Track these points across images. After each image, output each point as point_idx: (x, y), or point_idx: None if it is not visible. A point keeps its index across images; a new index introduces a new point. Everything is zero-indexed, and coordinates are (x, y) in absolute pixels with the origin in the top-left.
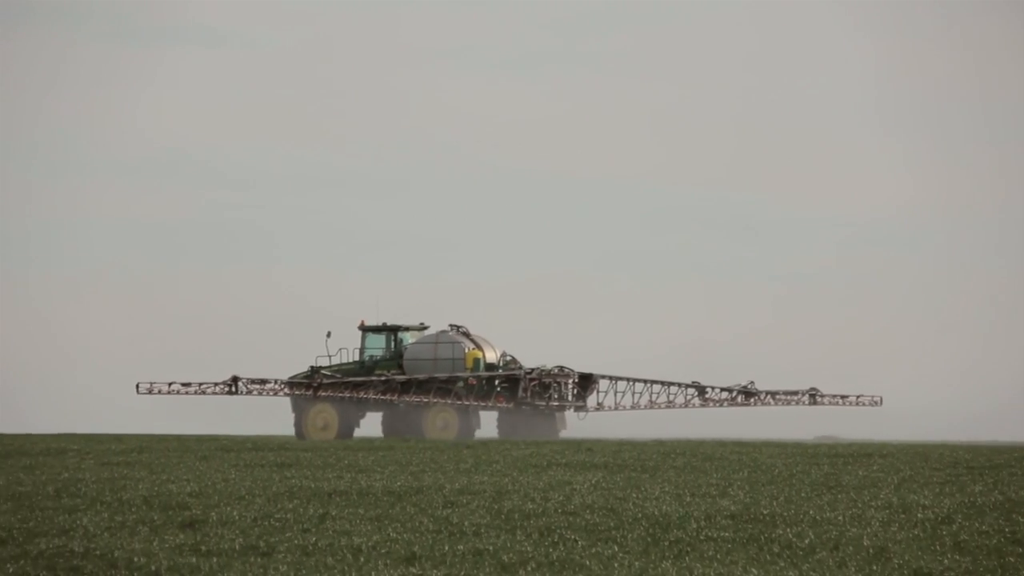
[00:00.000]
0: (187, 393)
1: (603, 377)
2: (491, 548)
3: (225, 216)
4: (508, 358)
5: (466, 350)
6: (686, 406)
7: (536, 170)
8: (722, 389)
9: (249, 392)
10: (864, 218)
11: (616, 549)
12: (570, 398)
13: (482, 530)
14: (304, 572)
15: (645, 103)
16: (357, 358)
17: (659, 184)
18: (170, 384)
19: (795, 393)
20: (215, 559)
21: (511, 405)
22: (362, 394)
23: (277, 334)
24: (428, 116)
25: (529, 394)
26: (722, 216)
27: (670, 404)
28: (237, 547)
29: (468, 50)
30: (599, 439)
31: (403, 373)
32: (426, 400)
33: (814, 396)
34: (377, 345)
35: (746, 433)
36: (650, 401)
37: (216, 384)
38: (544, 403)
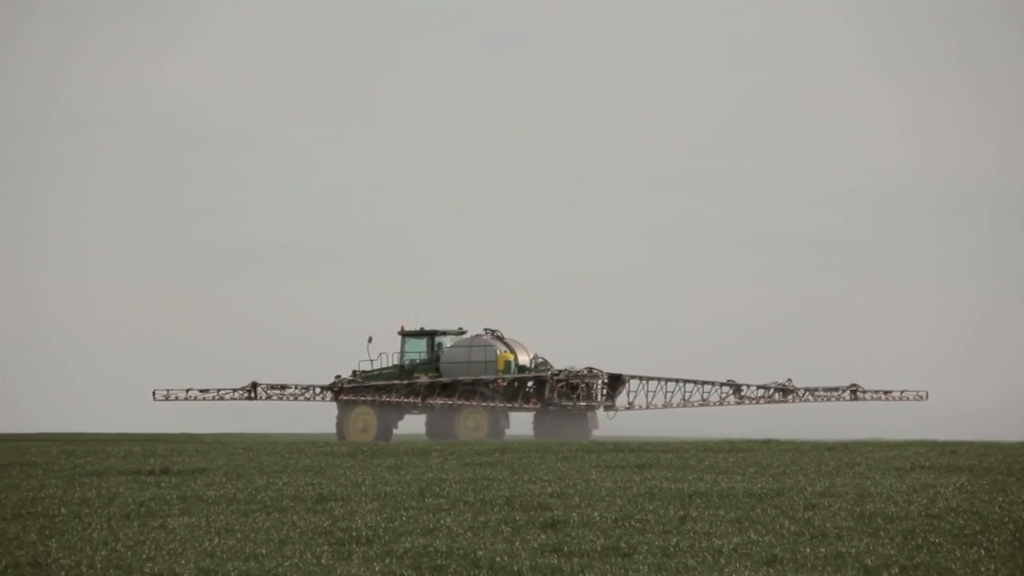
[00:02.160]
0: (204, 399)
1: (633, 377)
2: (853, 551)
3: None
4: (540, 360)
5: (498, 353)
6: (721, 404)
7: (572, 174)
8: (759, 387)
9: (268, 397)
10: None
11: (982, 553)
12: (599, 398)
13: (844, 533)
14: (664, 574)
15: (660, 101)
16: (397, 362)
17: (687, 184)
18: (187, 391)
19: (836, 389)
20: (576, 560)
21: (538, 406)
22: (384, 398)
23: (311, 340)
24: (453, 118)
25: (556, 395)
26: (745, 215)
27: (704, 403)
28: (598, 548)
29: (480, 51)
30: (635, 437)
31: (440, 376)
32: (451, 402)
33: (855, 392)
34: (416, 349)
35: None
36: (683, 400)
37: (235, 390)
38: (571, 404)
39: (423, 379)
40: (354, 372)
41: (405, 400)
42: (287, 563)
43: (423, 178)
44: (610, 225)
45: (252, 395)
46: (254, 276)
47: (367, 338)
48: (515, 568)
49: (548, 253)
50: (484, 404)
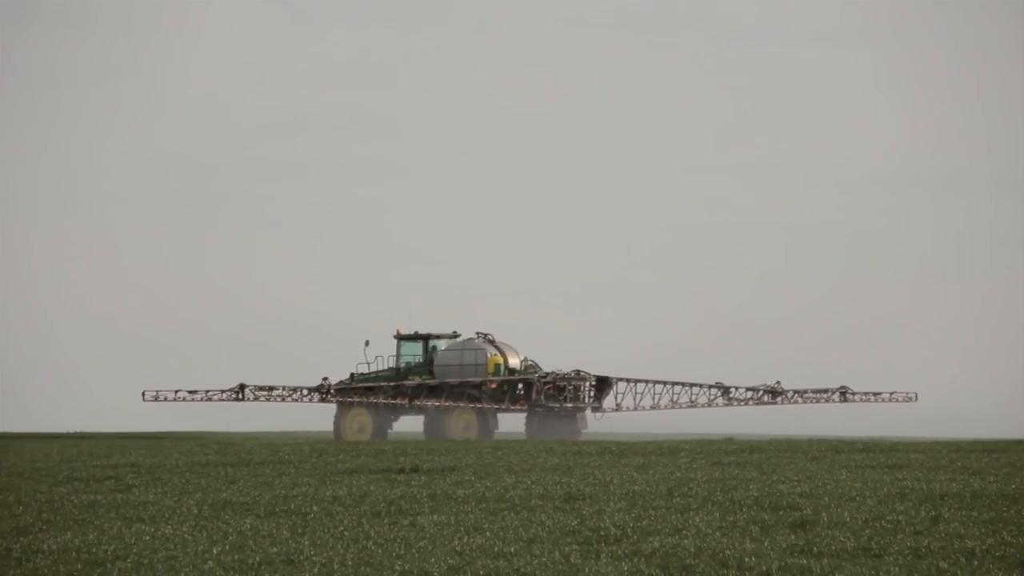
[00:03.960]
0: (193, 400)
1: (620, 380)
2: None
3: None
4: (529, 363)
5: (488, 356)
6: (709, 406)
7: (576, 183)
8: (747, 389)
9: (256, 399)
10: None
11: None
12: (587, 400)
13: None
14: (915, 575)
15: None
16: (393, 365)
17: (681, 190)
18: (176, 392)
19: (825, 391)
20: (826, 560)
21: (525, 407)
22: (372, 399)
23: (314, 341)
24: (450, 123)
25: (544, 397)
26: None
27: (692, 404)
28: (848, 548)
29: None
30: (628, 434)
31: (434, 378)
32: (438, 404)
33: (844, 394)
34: (412, 352)
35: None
36: (671, 401)
37: (223, 391)
38: (558, 405)
39: (409, 382)
40: (351, 375)
41: (393, 402)
42: (535, 562)
43: (423, 183)
44: (607, 230)
45: (240, 396)
46: (254, 276)
47: (364, 341)
48: (764, 568)
49: (544, 258)
50: (473, 406)
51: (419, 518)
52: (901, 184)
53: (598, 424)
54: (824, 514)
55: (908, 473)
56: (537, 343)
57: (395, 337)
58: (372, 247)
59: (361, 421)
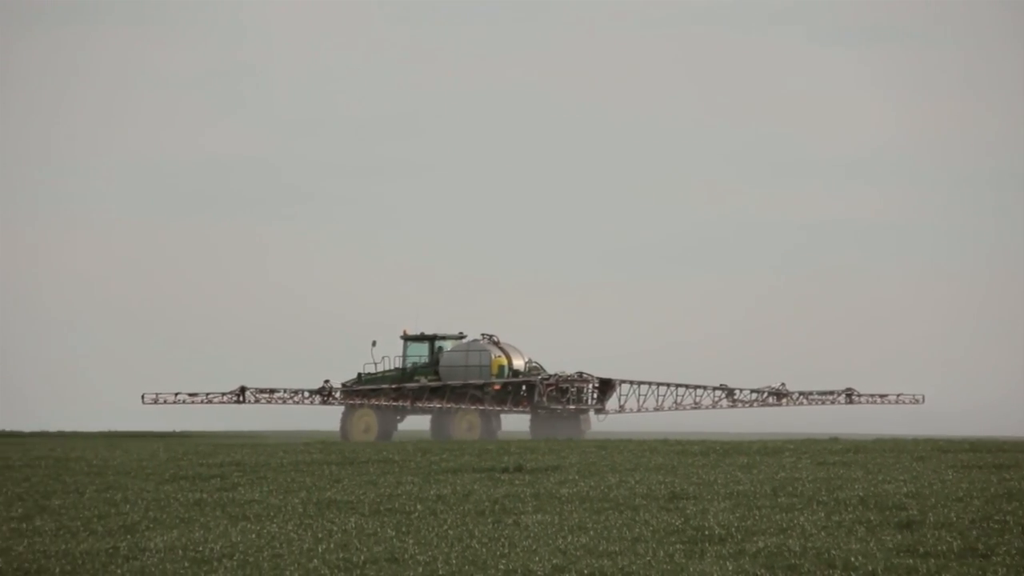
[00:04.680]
0: (193, 403)
1: (624, 381)
2: None
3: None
4: (533, 364)
5: (492, 357)
6: (714, 407)
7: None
8: (752, 391)
9: (257, 401)
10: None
11: None
12: (590, 402)
13: None
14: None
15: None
16: (399, 365)
17: (682, 192)
18: (176, 394)
19: (831, 393)
20: (932, 561)
21: (527, 409)
22: (374, 401)
23: (320, 341)
24: (451, 127)
25: (546, 399)
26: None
27: (696, 406)
28: (955, 549)
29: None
30: (632, 432)
31: (439, 379)
32: (440, 406)
33: (851, 396)
34: (418, 353)
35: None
36: (675, 403)
37: (223, 394)
38: (561, 406)
39: (412, 384)
40: (359, 374)
41: (394, 403)
42: (639, 561)
43: (432, 184)
44: (612, 231)
45: (241, 399)
46: (261, 274)
47: (371, 341)
48: (870, 568)
49: (550, 260)
50: (475, 407)
51: (523, 517)
52: (904, 183)
53: (602, 424)
54: (930, 514)
55: (1015, 473)
56: (543, 344)
57: (401, 338)
58: (380, 247)
59: (367, 421)
